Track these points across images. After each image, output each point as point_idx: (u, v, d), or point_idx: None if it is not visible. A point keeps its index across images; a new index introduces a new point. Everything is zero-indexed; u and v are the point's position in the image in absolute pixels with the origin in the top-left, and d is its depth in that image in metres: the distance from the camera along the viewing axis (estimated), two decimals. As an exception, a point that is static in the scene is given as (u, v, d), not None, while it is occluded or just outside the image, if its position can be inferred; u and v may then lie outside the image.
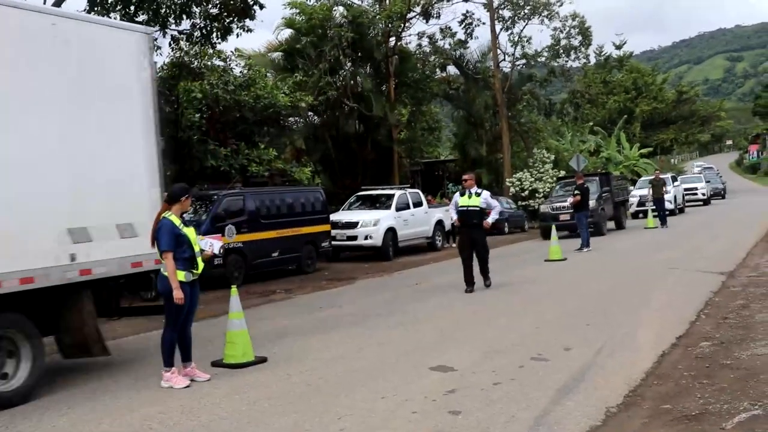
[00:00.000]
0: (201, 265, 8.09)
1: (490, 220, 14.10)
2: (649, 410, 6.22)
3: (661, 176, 31.94)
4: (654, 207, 29.78)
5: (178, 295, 7.70)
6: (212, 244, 8.43)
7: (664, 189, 29.99)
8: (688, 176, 52.61)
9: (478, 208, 13.79)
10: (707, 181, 49.09)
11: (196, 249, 8.00)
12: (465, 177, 14.37)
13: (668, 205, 32.38)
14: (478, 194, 13.89)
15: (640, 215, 35.27)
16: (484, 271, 14.15)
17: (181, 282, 7.78)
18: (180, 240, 7.82)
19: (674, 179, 39.90)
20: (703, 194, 46.64)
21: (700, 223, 30.56)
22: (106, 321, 13.28)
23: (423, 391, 7.12)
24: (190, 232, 7.99)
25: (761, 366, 7.28)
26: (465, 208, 13.86)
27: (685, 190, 44.65)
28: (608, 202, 28.31)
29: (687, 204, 43.32)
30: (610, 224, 28.84)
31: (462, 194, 14.05)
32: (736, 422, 5.73)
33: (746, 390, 6.53)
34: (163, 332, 7.99)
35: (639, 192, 36.80)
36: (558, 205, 26.99)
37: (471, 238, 13.90)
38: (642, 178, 42.12)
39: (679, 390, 6.74)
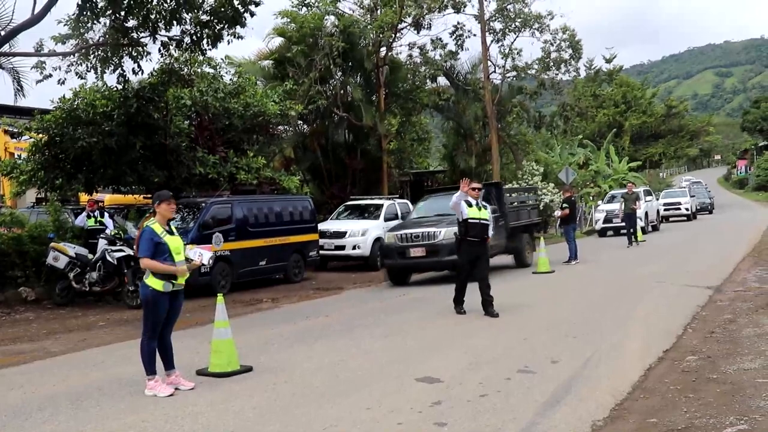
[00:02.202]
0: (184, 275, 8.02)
1: (489, 234, 12.82)
2: (635, 424, 6.19)
3: (635, 190, 29.00)
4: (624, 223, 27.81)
5: (174, 269, 7.82)
6: (201, 254, 8.24)
7: (636, 204, 27.53)
8: (670, 190, 51.01)
9: (487, 222, 12.64)
10: (692, 196, 47.46)
11: (178, 259, 7.91)
12: (477, 186, 12.87)
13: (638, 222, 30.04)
14: (485, 207, 12.77)
15: (609, 233, 33.92)
16: (488, 296, 12.32)
17: (159, 292, 7.73)
18: (160, 248, 7.76)
19: (648, 193, 36.87)
20: (687, 209, 44.54)
21: (674, 242, 28.33)
22: (87, 329, 13.23)
23: (409, 402, 7.07)
24: (173, 241, 7.91)
25: (747, 381, 7.27)
26: (477, 221, 12.45)
27: (667, 205, 43.57)
28: (498, 228, 18.23)
29: (671, 219, 42.78)
30: (506, 259, 21.31)
31: (469, 205, 12.53)
32: (722, 437, 5.71)
33: (732, 405, 6.52)
34: (141, 340, 7.93)
35: (606, 207, 34.62)
36: (413, 232, 18.01)
37: (476, 254, 12.52)
38: (611, 192, 39.61)
39: (665, 404, 6.73)
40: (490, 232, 12.82)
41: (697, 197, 52.26)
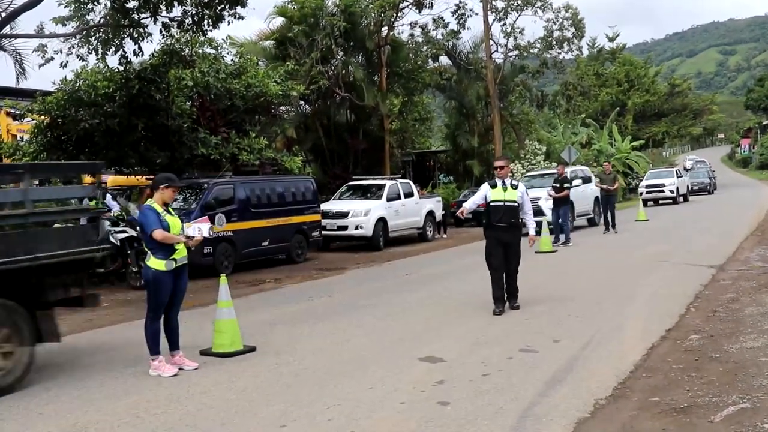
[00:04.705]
0: (184, 252, 8.00)
1: (533, 232, 11.41)
2: (637, 402, 6.21)
3: (612, 169, 25.66)
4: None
5: (183, 239, 7.91)
6: (200, 229, 8.11)
7: (615, 185, 24.56)
8: (655, 170, 45.49)
9: (516, 204, 10.89)
10: (680, 176, 42.76)
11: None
12: (499, 164, 11.22)
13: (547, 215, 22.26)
14: (515, 186, 10.98)
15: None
16: (514, 288, 11.05)
17: (161, 271, 7.75)
18: (162, 226, 7.76)
19: (588, 180, 26.90)
20: (672, 191, 40.24)
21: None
22: (91, 310, 13.28)
23: (411, 381, 7.10)
24: (174, 220, 7.92)
25: (750, 359, 7.29)
26: (501, 203, 10.82)
27: (649, 187, 40.67)
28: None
29: (661, 203, 39.94)
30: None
31: (494, 186, 10.97)
32: (725, 415, 5.73)
33: (735, 383, 6.54)
34: (145, 321, 7.95)
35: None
36: None
37: (504, 242, 10.88)
38: (531, 173, 30.28)
39: (667, 382, 6.74)
40: (532, 230, 11.36)
41: (694, 177, 51.08)
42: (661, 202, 40.31)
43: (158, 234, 7.70)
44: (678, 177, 42.31)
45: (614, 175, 25.64)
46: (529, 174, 29.38)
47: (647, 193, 40.16)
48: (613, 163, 46.41)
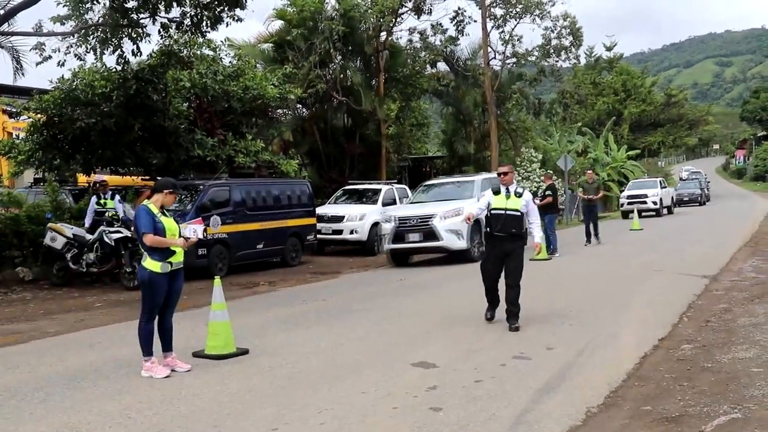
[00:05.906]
0: (180, 256, 8.01)
1: (538, 240, 10.58)
2: (629, 411, 6.21)
3: (596, 177, 24.83)
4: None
5: (180, 242, 7.94)
6: (195, 230, 8.17)
7: (598, 194, 23.71)
8: (638, 180, 44.18)
9: (519, 214, 10.18)
10: (663, 187, 41.13)
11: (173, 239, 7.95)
12: (503, 170, 10.50)
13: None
14: (519, 194, 10.24)
15: (414, 258, 20.39)
16: (513, 306, 9.98)
17: (156, 273, 7.74)
18: (156, 228, 7.76)
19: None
20: (655, 203, 38.84)
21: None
22: (84, 310, 13.25)
23: (404, 386, 7.10)
24: (168, 222, 7.92)
25: (742, 370, 7.30)
26: (502, 212, 10.12)
27: (630, 197, 39.11)
28: None
29: (644, 214, 36.80)
30: None
31: (497, 192, 10.27)
32: (716, 425, 5.73)
33: (726, 393, 6.54)
34: (139, 322, 7.93)
35: (400, 212, 19.79)
36: None
37: (504, 252, 10.14)
38: (425, 183, 23.48)
39: (659, 392, 6.75)
40: (537, 237, 10.58)
41: (684, 187, 50.69)
42: (644, 214, 37.37)
43: (148, 239, 7.71)
44: (662, 188, 40.77)
45: (597, 183, 24.97)
46: (426, 183, 23.37)
47: (628, 204, 38.32)
48: (608, 172, 46.52)
